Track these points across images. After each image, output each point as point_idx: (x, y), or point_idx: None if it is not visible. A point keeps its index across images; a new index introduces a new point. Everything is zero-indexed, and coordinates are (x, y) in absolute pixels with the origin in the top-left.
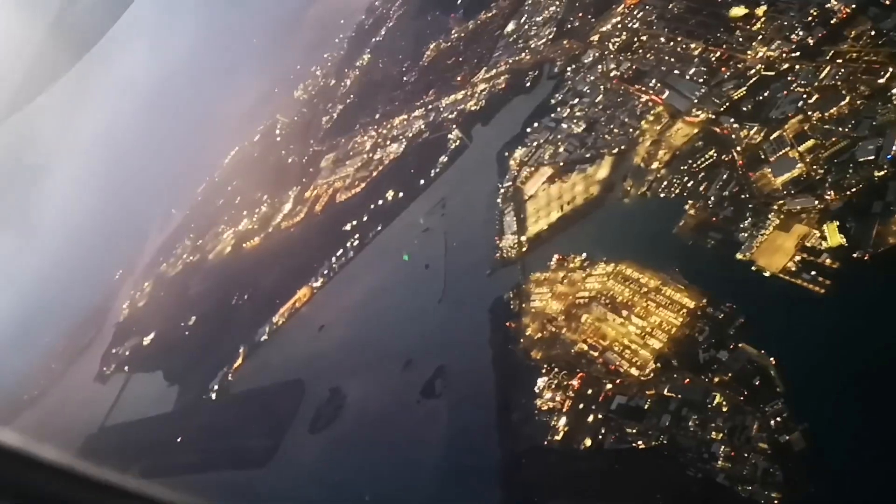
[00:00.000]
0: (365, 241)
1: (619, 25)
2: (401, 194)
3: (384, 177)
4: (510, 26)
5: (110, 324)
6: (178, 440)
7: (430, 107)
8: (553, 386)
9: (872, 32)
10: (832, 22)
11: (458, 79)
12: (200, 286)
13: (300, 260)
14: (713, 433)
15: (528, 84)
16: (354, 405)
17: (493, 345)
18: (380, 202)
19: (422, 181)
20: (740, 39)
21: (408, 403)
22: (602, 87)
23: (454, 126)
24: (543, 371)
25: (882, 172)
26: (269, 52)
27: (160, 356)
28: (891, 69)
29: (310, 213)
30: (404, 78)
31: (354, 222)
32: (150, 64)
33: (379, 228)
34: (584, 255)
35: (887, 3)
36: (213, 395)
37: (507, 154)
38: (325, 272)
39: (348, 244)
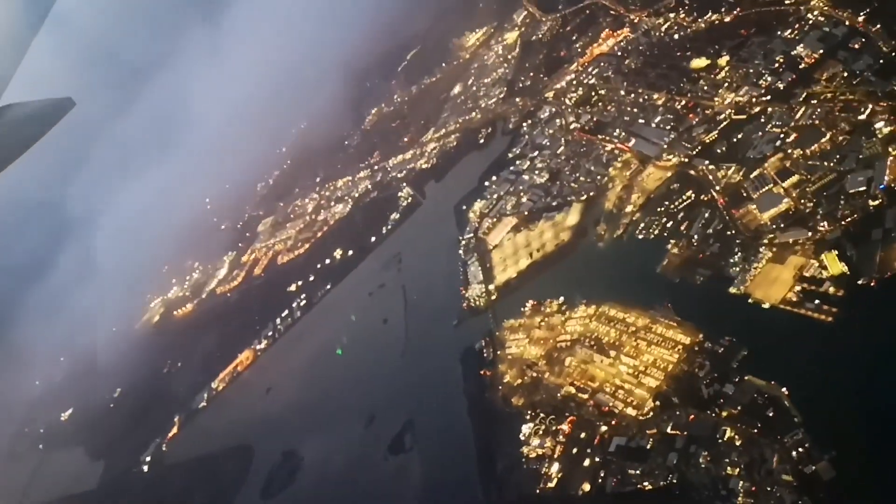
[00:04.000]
0: (313, 300)
1: (574, 82)
2: (350, 252)
3: (330, 236)
4: (456, 89)
5: (19, 401)
6: None
7: (376, 168)
8: (540, 432)
9: (845, 73)
10: (800, 67)
11: (405, 140)
12: (126, 357)
13: (240, 323)
14: (728, 468)
15: (482, 141)
16: (313, 467)
17: (467, 394)
18: (327, 261)
19: (373, 238)
20: (705, 88)
21: (374, 461)
22: (563, 138)
23: (404, 184)
24: (528, 417)
25: (877, 202)
26: None
27: (81, 431)
28: (870, 105)
29: (248, 276)
30: (346, 142)
31: (300, 283)
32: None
33: (328, 287)
34: (562, 298)
35: (856, 46)
36: (146, 468)
37: (464, 207)
38: (270, 334)
39: (294, 305)
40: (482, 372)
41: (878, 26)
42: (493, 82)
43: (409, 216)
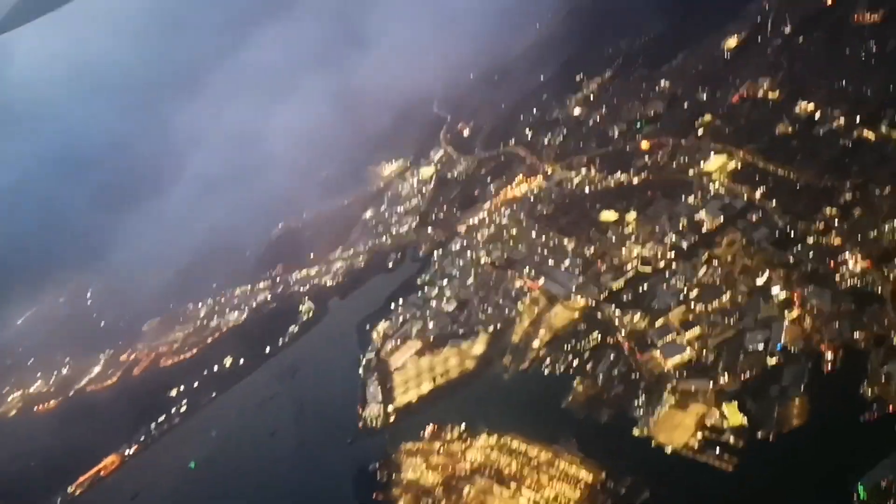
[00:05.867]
0: (196, 407)
1: (487, 220)
2: (241, 361)
3: (221, 343)
4: (368, 213)
5: None
6: None
7: (277, 279)
8: None
9: (744, 241)
10: (702, 231)
11: (311, 255)
12: None
13: (108, 425)
14: None
15: (391, 265)
16: None
17: None
18: (215, 368)
19: (268, 349)
20: (613, 239)
21: None
22: (473, 270)
23: (306, 298)
24: None
25: (774, 360)
26: None
27: None
28: (768, 272)
29: (125, 376)
30: (247, 252)
31: (182, 388)
32: None
33: (213, 395)
34: (463, 426)
35: (754, 218)
36: None
37: (368, 327)
38: (143, 438)
39: (173, 410)
40: (375, 495)
41: (774, 203)
42: (406, 211)
43: (309, 330)
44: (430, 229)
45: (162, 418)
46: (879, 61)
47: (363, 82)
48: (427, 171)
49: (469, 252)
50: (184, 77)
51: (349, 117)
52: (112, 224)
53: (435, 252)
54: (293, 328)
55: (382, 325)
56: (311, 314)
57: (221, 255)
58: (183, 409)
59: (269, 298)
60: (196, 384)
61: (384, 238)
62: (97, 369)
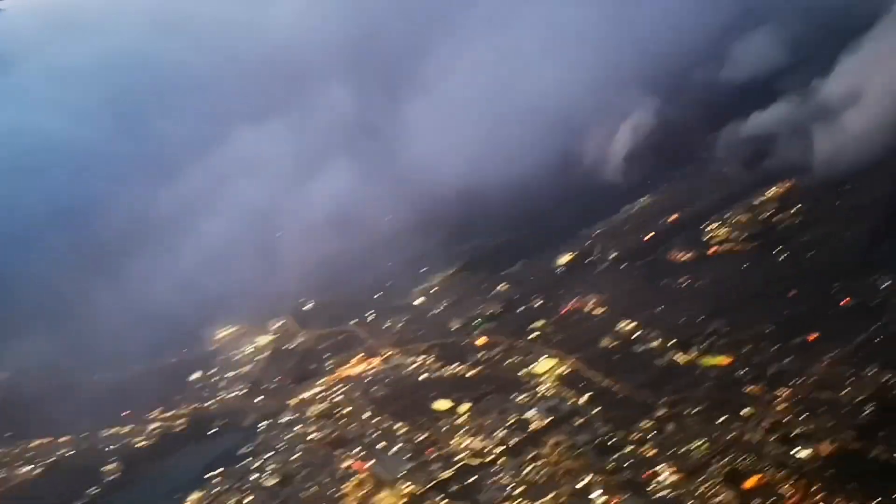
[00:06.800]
0: None
1: (320, 396)
2: None
3: (5, 499)
4: (195, 374)
5: None
6: None
7: (83, 435)
8: None
9: (570, 443)
10: (530, 429)
11: (126, 413)
12: None
13: None
14: None
15: (213, 432)
16: None
17: None
18: None
19: None
20: (445, 429)
21: None
22: (300, 446)
23: (114, 458)
24: None
25: None
26: None
27: None
28: (590, 475)
29: None
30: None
31: None
32: None
33: None
34: None
35: (578, 424)
36: None
37: (178, 496)
38: None
39: None
40: None
41: (597, 410)
42: (236, 378)
43: (112, 494)
44: (259, 399)
45: None
46: (690, 295)
47: (210, 240)
48: (264, 340)
49: (298, 427)
50: None
51: (187, 278)
52: None
53: (262, 423)
54: (94, 490)
55: (195, 496)
56: (117, 476)
57: (20, 403)
58: None
59: (70, 455)
60: None
61: (209, 403)
62: None
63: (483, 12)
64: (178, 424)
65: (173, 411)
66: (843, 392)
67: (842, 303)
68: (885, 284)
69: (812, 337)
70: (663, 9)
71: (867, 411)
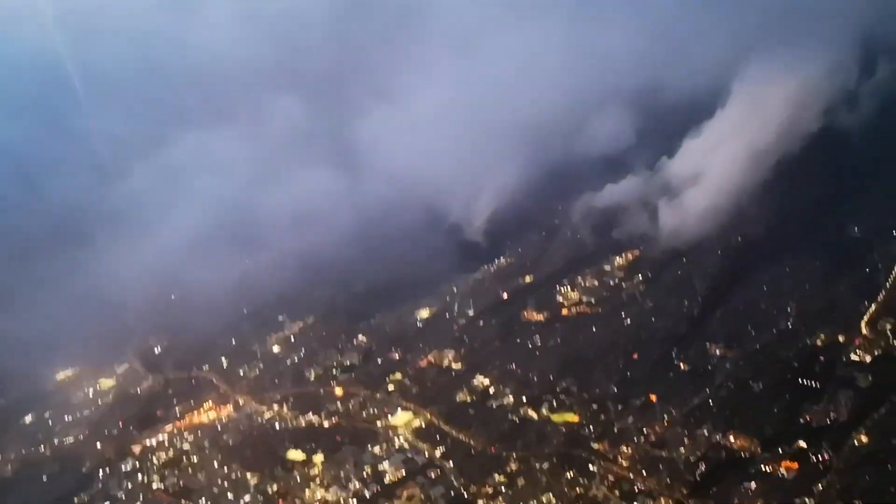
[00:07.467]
0: None
1: (166, 443)
2: None
3: None
4: (28, 417)
5: None
6: None
7: None
8: None
9: (423, 496)
10: (385, 481)
11: None
12: None
13: None
14: None
15: (46, 478)
16: None
17: None
18: None
19: None
20: (298, 479)
21: None
22: (143, 495)
23: None
24: None
25: None
26: None
27: None
28: None
29: None
30: None
31: None
32: None
33: None
34: None
35: (432, 476)
36: None
37: None
38: None
39: None
40: None
41: (452, 463)
42: (74, 422)
43: None
44: (99, 444)
45: None
46: (542, 353)
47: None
48: (107, 383)
49: (140, 475)
50: None
51: (23, 315)
52: None
53: (101, 470)
54: None
55: None
56: None
57: None
58: None
59: None
60: None
61: (43, 448)
62: None
63: None
64: (7, 470)
65: (1, 455)
66: (680, 450)
67: (680, 367)
68: (717, 352)
69: (653, 398)
70: (529, 81)
71: (700, 469)
